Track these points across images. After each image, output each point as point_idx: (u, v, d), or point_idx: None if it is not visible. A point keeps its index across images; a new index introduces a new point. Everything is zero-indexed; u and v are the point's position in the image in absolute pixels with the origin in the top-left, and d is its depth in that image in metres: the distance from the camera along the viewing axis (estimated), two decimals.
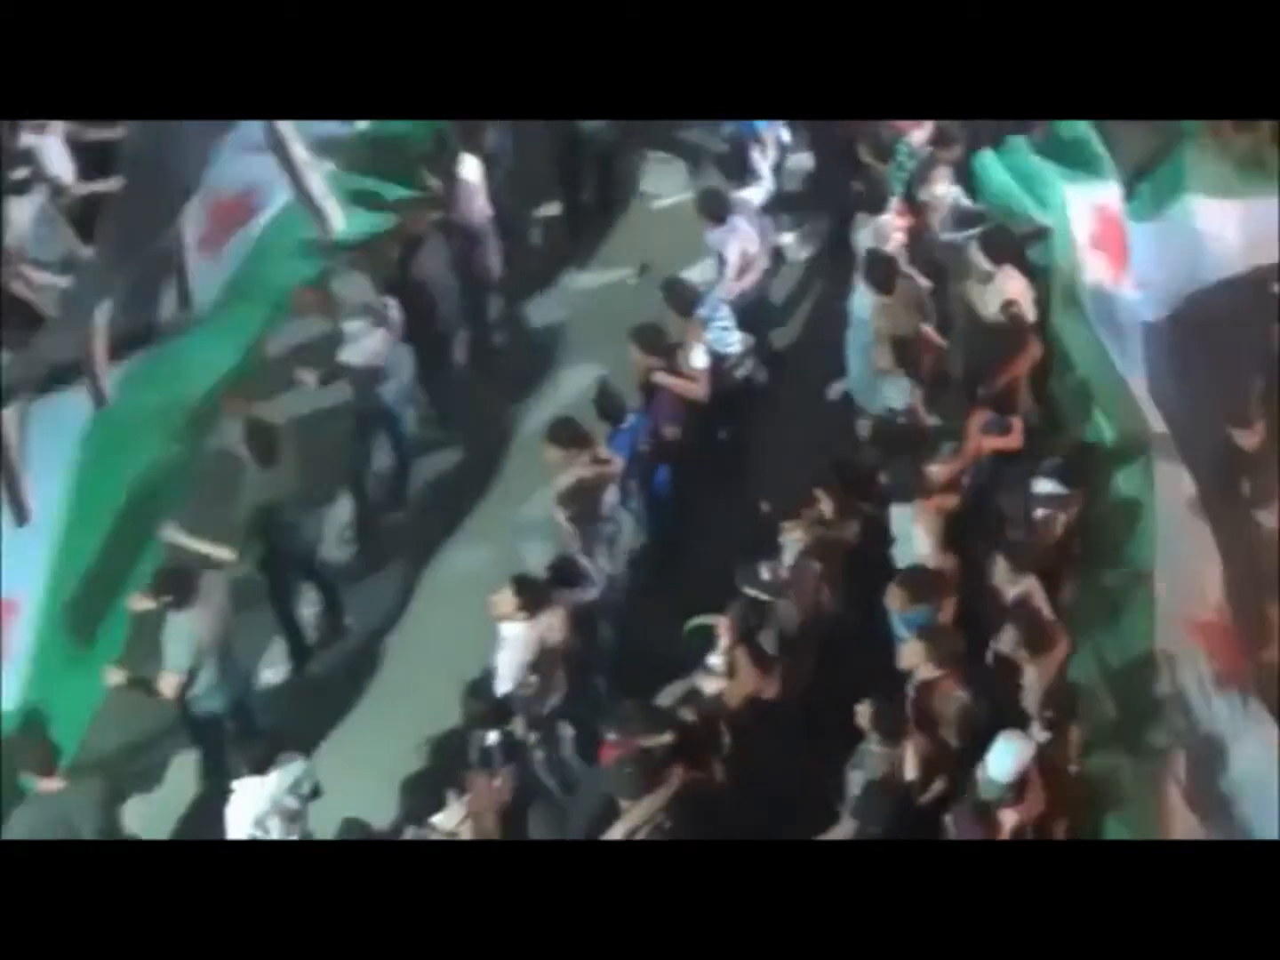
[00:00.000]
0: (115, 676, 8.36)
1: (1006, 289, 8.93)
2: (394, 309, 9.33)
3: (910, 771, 7.23)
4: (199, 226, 9.70)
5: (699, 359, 9.00)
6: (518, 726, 7.82)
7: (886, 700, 7.35)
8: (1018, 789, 6.95)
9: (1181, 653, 7.75)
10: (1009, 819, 6.88)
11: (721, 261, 9.75)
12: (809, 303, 11.09)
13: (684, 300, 9.14)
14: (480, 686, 7.97)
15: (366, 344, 9.35)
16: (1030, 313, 8.96)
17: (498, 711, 7.83)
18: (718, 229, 9.73)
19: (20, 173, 10.22)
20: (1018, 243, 9.30)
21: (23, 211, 10.16)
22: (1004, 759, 6.92)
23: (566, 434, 8.55)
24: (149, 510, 8.83)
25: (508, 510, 9.94)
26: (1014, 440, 8.48)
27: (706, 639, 7.90)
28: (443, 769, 8.01)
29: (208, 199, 9.87)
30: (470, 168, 10.17)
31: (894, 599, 7.68)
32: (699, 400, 9.00)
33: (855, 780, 7.33)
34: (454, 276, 9.94)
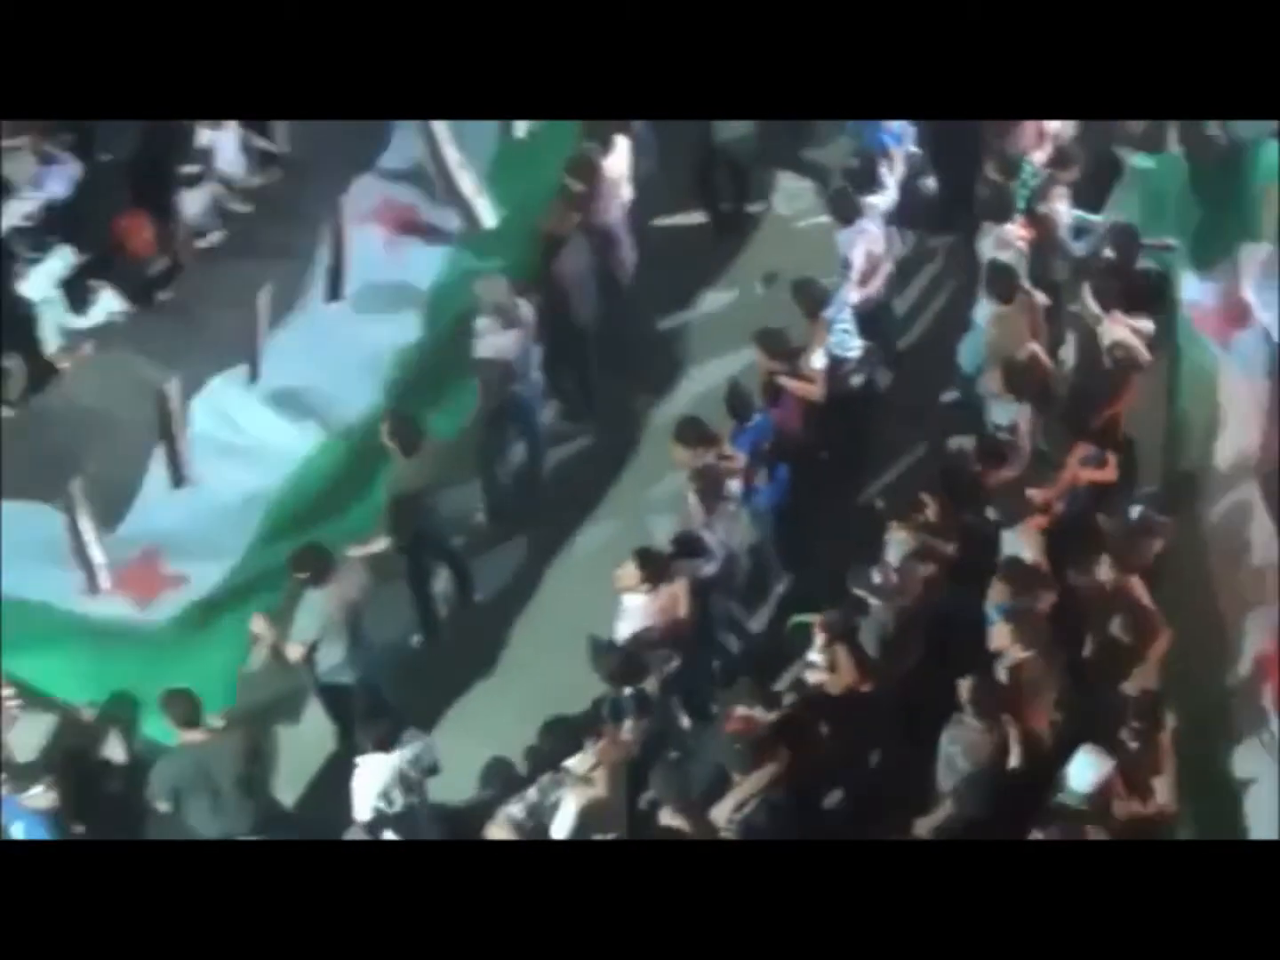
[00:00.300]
0: (258, 625, 8.70)
1: (1114, 333, 9.11)
2: (525, 308, 9.63)
3: (1014, 759, 7.44)
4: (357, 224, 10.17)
5: (819, 361, 9.27)
6: (650, 685, 8.08)
7: (985, 678, 7.56)
8: (1098, 800, 7.14)
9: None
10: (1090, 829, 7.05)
11: (847, 264, 9.98)
12: (931, 311, 11.25)
13: (813, 300, 9.44)
14: (615, 645, 8.25)
15: (498, 341, 9.65)
16: (1140, 353, 9.10)
17: (633, 668, 8.07)
18: (846, 230, 10.01)
19: (193, 168, 10.75)
20: (1129, 287, 9.42)
21: (194, 203, 10.75)
22: (1084, 771, 7.13)
23: (693, 433, 8.88)
24: None
25: (634, 496, 10.28)
26: (1109, 474, 8.75)
27: (807, 635, 8.16)
28: (582, 720, 8.21)
29: (368, 200, 10.38)
30: (614, 172, 10.48)
31: (995, 592, 7.89)
32: (818, 401, 9.26)
33: (952, 763, 7.51)
34: (592, 277, 10.20)
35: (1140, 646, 7.83)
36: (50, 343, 10.40)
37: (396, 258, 10.63)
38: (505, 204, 10.56)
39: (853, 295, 9.80)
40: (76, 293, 10.35)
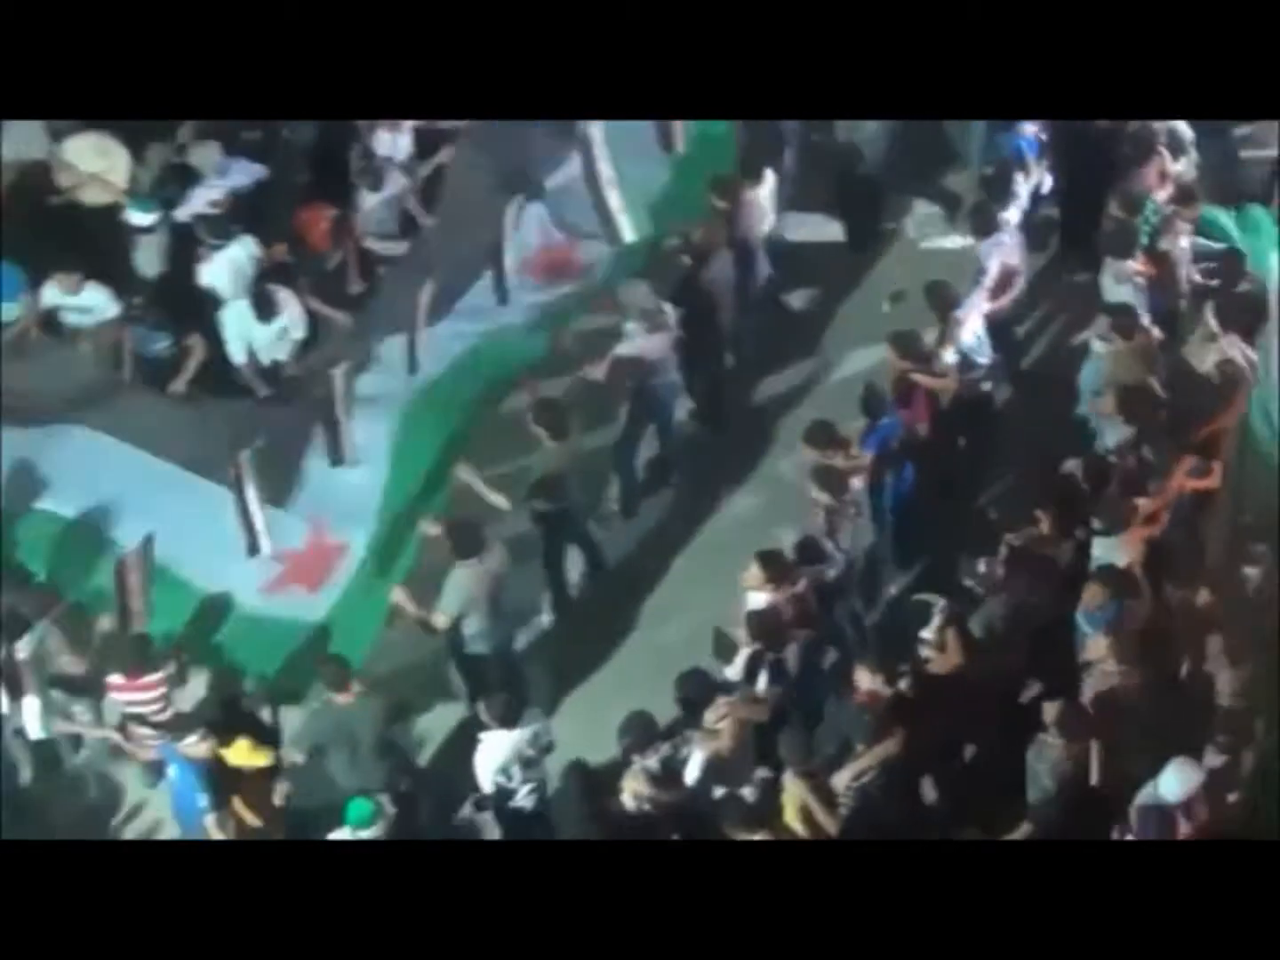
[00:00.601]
0: (399, 595, 9.22)
1: (1226, 350, 9.42)
2: (670, 314, 10.14)
3: (1095, 777, 7.78)
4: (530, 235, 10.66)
5: (950, 357, 9.77)
6: (790, 655, 8.55)
7: (1071, 701, 7.88)
8: (1185, 811, 7.40)
9: None
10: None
11: (982, 273, 10.38)
12: (1050, 334, 11.56)
13: (945, 302, 9.92)
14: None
15: (642, 343, 10.22)
16: (1247, 372, 9.36)
17: (772, 630, 8.52)
18: (984, 241, 10.44)
19: (369, 167, 11.35)
20: (1248, 311, 9.70)
21: (370, 201, 11.33)
22: (1174, 782, 7.39)
23: (823, 435, 9.37)
24: (450, 459, 9.84)
25: (761, 496, 10.75)
26: (1213, 482, 8.97)
27: (924, 615, 8.58)
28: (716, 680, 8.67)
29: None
30: (763, 190, 10.98)
31: (1088, 595, 8.22)
32: (950, 395, 9.76)
33: (1037, 779, 7.87)
34: (731, 287, 10.67)
35: (1232, 664, 8.09)
36: (235, 349, 10.81)
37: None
38: (654, 218, 10.93)
39: (985, 304, 10.23)
40: (262, 299, 10.70)
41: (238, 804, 8.71)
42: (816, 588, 8.92)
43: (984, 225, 10.43)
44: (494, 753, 8.60)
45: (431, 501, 9.81)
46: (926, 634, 8.46)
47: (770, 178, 11.23)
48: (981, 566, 8.73)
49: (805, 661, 8.85)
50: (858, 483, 9.34)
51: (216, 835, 8.66)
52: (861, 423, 9.65)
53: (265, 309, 10.68)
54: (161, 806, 9.35)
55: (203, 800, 8.69)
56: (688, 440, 11.16)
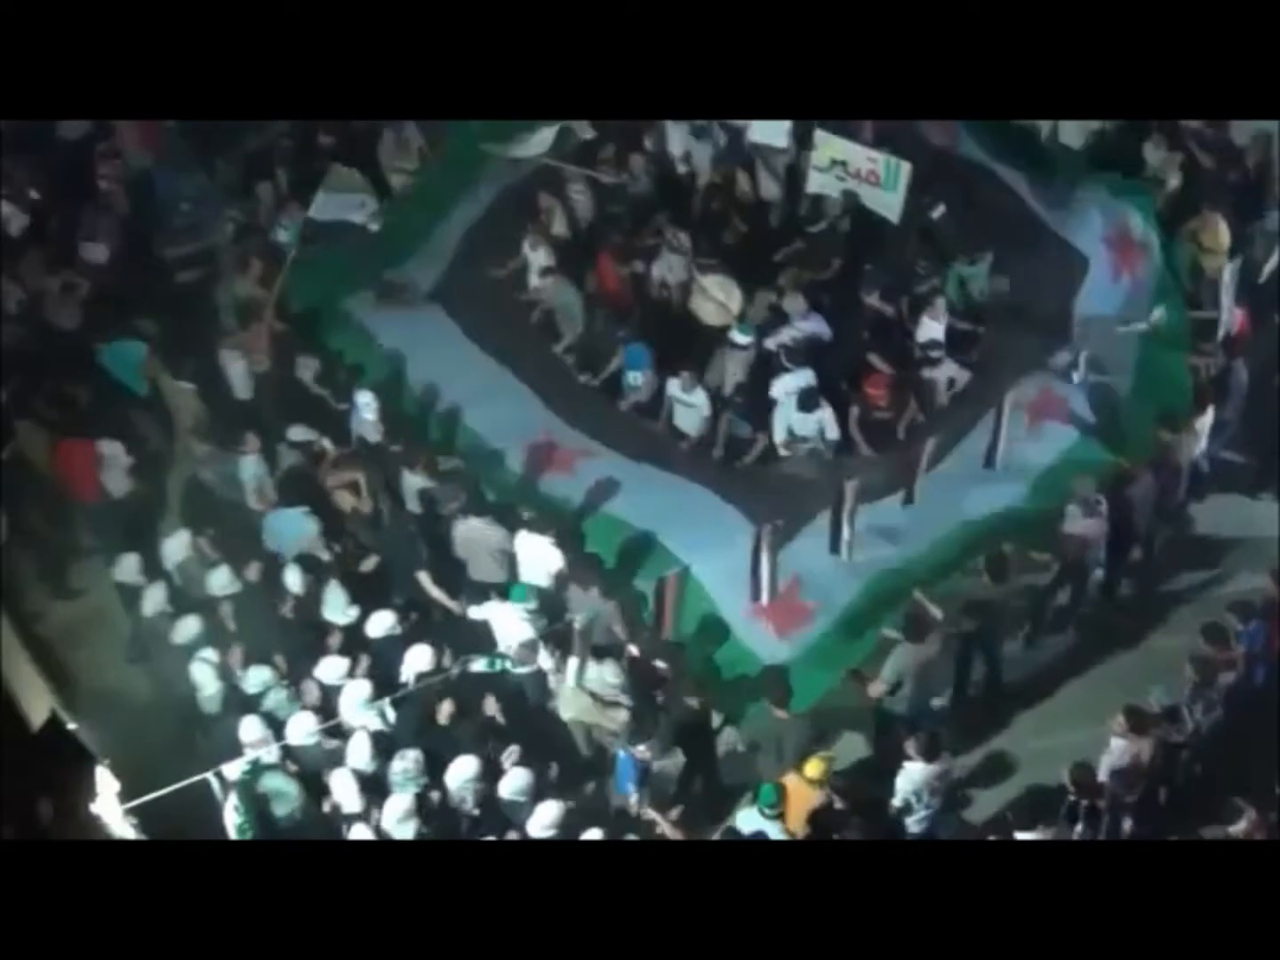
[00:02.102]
0: (850, 675, 10.81)
1: None
2: (1104, 506, 11.72)
3: None
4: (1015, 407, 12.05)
5: None
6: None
7: None
8: None
9: None
10: None
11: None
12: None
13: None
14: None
15: (1082, 524, 11.82)
16: None
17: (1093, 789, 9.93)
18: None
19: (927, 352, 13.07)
20: None
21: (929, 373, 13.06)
22: None
23: (1216, 633, 10.72)
24: (911, 586, 11.22)
25: (1143, 659, 12.12)
26: None
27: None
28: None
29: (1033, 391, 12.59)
30: (1203, 420, 12.36)
31: None
32: None
33: None
34: (1154, 502, 12.20)
35: None
36: (778, 435, 12.61)
37: (1034, 434, 12.43)
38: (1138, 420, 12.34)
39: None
40: (808, 399, 12.52)
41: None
42: (1164, 744, 10.23)
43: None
44: (912, 777, 10.12)
45: (892, 611, 11.18)
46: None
47: (1210, 412, 12.42)
48: None
49: (1119, 816, 10.22)
50: (1226, 679, 10.58)
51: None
52: (1238, 625, 10.86)
53: (807, 405, 12.50)
54: None
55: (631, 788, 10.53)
56: (1094, 603, 12.50)
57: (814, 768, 10.11)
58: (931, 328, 13.29)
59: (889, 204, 14.16)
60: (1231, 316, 13.10)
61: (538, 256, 14.10)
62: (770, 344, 13.48)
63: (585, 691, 10.94)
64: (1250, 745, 10.71)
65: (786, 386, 12.96)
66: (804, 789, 10.17)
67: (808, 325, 13.51)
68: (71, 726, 9.58)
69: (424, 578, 12.00)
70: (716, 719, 11.24)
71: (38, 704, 10.06)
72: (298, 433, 12.91)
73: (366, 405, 12.88)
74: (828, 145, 14.21)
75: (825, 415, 12.65)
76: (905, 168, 13.89)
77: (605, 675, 10.86)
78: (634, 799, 10.42)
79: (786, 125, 14.53)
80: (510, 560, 11.86)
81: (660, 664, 10.99)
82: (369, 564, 12.25)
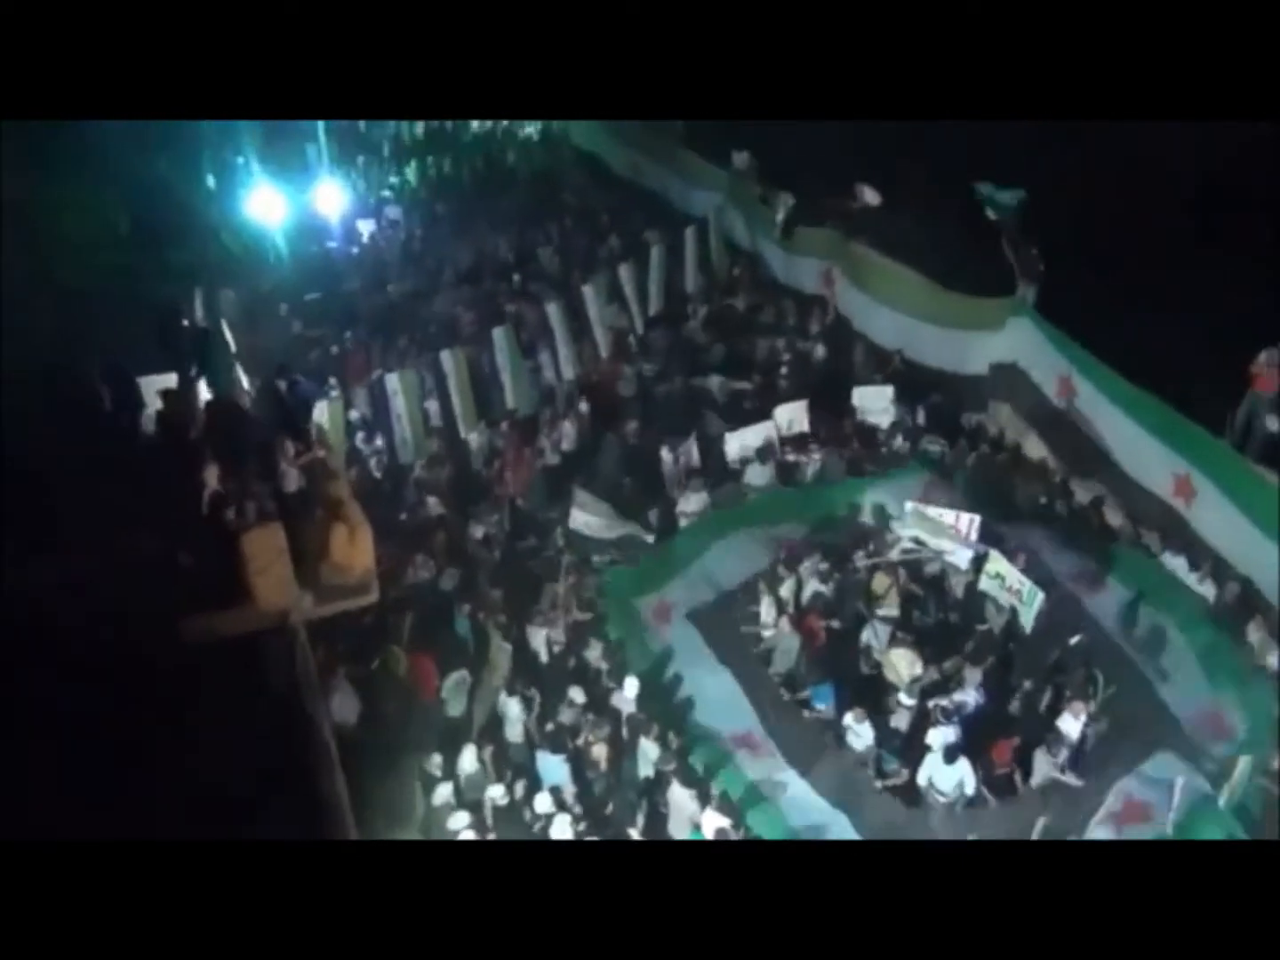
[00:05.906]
0: None
1: None
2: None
3: None
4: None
5: None
6: None
7: None
8: None
9: None
10: None
11: None
12: None
13: None
14: None
15: None
16: None
17: None
18: None
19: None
20: None
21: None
22: None
23: None
24: None
25: None
26: None
27: None
28: None
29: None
30: None
31: None
32: None
33: None
34: None
35: None
36: (921, 779, 15.83)
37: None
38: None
39: None
40: (951, 753, 15.44)
41: None
42: None
43: None
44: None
45: None
46: None
47: None
48: None
49: None
50: None
51: None
52: None
53: (950, 758, 15.44)
54: None
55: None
56: None
57: None
58: (1070, 722, 15.83)
59: (1027, 617, 17.57)
60: None
61: (767, 606, 18.03)
62: (930, 704, 16.47)
63: None
64: None
65: (938, 738, 15.68)
66: None
67: (965, 697, 16.52)
68: None
69: (632, 833, 15.02)
70: None
71: None
72: (577, 694, 16.55)
73: (630, 685, 16.43)
74: (993, 562, 17.94)
75: (964, 768, 15.21)
76: (1039, 596, 17.28)
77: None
78: None
79: (969, 553, 18.52)
80: (696, 830, 14.69)
81: None
82: (605, 809, 15.45)
